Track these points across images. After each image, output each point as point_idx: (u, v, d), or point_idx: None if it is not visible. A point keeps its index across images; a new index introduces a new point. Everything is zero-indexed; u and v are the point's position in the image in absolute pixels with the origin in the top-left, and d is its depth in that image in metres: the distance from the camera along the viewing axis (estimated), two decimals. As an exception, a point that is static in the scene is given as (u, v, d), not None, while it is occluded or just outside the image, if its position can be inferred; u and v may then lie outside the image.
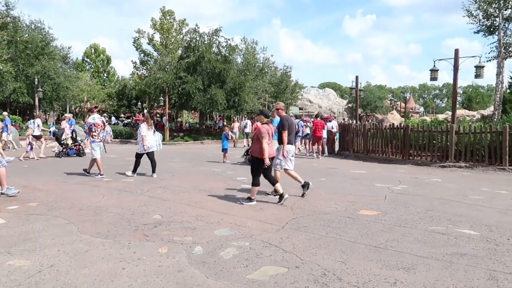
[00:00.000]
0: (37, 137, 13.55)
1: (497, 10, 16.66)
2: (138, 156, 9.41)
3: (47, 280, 3.17)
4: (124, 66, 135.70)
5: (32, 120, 14.17)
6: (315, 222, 5.02)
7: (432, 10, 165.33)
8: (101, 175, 9.02)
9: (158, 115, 42.33)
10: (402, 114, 44.51)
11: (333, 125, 16.78)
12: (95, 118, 9.39)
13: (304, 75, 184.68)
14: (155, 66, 28.20)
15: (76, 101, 37.25)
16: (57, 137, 14.28)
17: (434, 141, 11.81)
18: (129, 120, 36.56)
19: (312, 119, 16.26)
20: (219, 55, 25.53)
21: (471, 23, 17.56)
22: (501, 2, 16.39)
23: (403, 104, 54.92)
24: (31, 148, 13.17)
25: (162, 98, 26.67)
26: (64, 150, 14.07)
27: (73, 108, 43.38)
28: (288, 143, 6.78)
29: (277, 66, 40.01)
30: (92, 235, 4.41)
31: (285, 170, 6.93)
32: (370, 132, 14.05)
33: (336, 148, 16.81)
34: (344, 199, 6.54)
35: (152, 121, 10.01)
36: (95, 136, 9.20)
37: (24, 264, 3.52)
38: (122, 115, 43.47)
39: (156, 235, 4.42)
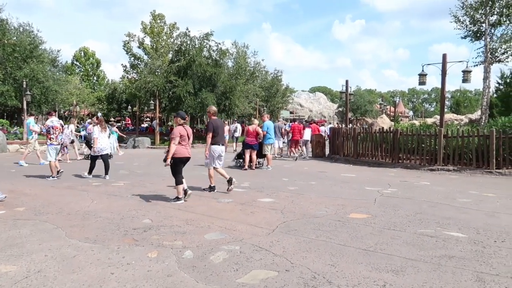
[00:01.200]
0: (70, 141, 14.57)
1: (483, 16, 16.96)
2: (93, 158, 9.71)
3: (34, 286, 3.13)
4: (114, 70, 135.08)
5: (65, 126, 14.33)
6: (305, 226, 5.03)
7: (419, 16, 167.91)
8: (52, 177, 9.17)
9: (148, 119, 42.06)
10: (391, 118, 44.96)
11: (325, 129, 17.26)
12: (53, 121, 9.59)
13: (294, 79, 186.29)
14: (146, 69, 28.06)
15: (65, 104, 36.82)
16: (87, 140, 14.96)
17: (423, 145, 11.94)
18: (119, 124, 36.32)
19: (290, 123, 16.81)
20: (210, 59, 25.54)
21: (458, 28, 17.86)
22: (487, 8, 16.70)
23: (392, 108, 55.51)
24: (67, 152, 13.69)
25: (153, 102, 26.54)
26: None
27: (62, 112, 42.91)
28: (215, 144, 7.50)
29: (268, 70, 40.12)
30: (81, 240, 4.36)
31: (214, 168, 7.66)
32: (360, 136, 14.15)
33: (327, 152, 16.89)
34: (334, 203, 6.57)
35: (106, 124, 10.34)
36: (52, 139, 9.40)
37: (10, 270, 3.46)
38: (112, 119, 43.12)
39: (145, 240, 4.39)
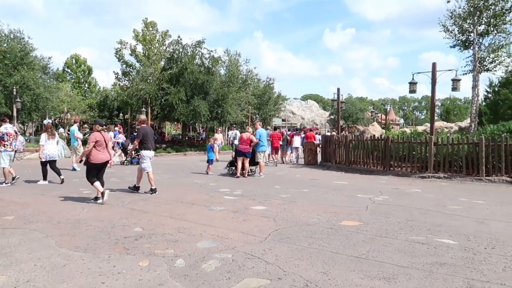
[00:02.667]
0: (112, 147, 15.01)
1: (471, 26, 17.24)
2: (43, 164, 9.90)
3: (23, 296, 3.08)
4: (105, 77, 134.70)
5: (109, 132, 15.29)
6: (297, 233, 5.03)
7: (409, 25, 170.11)
8: (6, 183, 9.26)
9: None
10: (382, 125, 45.31)
11: (318, 137, 17.75)
12: (7, 128, 9.64)
13: (286, 87, 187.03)
14: (138, 77, 27.98)
15: (56, 112, 36.51)
16: (124, 147, 16.36)
17: (414, 152, 12.05)
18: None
19: (270, 131, 17.54)
20: (202, 66, 25.55)
21: (447, 38, 18.12)
22: (475, 18, 16.99)
23: (383, 116, 55.96)
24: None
25: (144, 109, 26.43)
26: (127, 159, 16.02)
27: (52, 119, 42.52)
28: (146, 149, 8.26)
29: (260, 78, 40.21)
30: (71, 249, 4.31)
31: (143, 171, 8.33)
32: (352, 144, 14.24)
33: (319, 159, 16.97)
34: (327, 210, 6.59)
35: (55, 131, 10.53)
36: (6, 145, 9.45)
37: (-2, 280, 3.40)
38: (116, 127, 42.82)
39: (136, 248, 4.35)
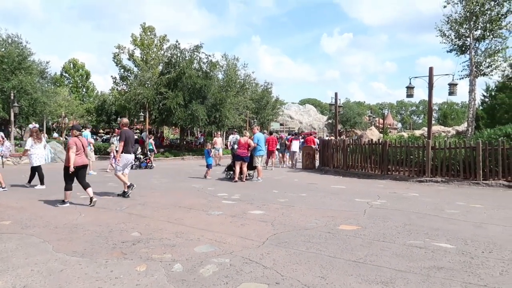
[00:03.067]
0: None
1: (468, 31, 17.36)
2: (38, 169, 9.99)
3: (20, 302, 3.06)
4: (102, 81, 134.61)
5: (116, 137, 15.60)
6: (295, 238, 5.03)
7: (406, 30, 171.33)
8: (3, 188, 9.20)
9: (138, 131, 41.74)
10: (380, 130, 45.38)
11: (317, 141, 18.05)
12: None
13: (284, 91, 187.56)
14: (136, 81, 28.03)
15: (54, 116, 36.47)
16: (154, 153, 17.36)
17: (412, 157, 12.07)
18: (108, 135, 36.05)
19: (267, 136, 17.89)
20: (200, 71, 25.59)
21: (444, 42, 18.22)
22: (472, 23, 17.10)
23: (381, 120, 56.06)
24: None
25: (142, 114, 26.43)
26: (136, 163, 16.08)
27: (50, 124, 42.46)
28: (126, 152, 8.37)
29: (258, 82, 40.34)
30: (68, 254, 4.29)
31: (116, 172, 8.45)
32: (350, 148, 14.26)
33: (317, 163, 16.99)
34: (324, 214, 6.59)
35: (41, 135, 10.57)
36: None
37: (-5, 285, 3.39)
38: (101, 131, 42.85)
39: (134, 253, 4.34)
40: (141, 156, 16.72)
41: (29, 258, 4.14)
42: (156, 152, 20.62)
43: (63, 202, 7.36)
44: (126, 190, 8.40)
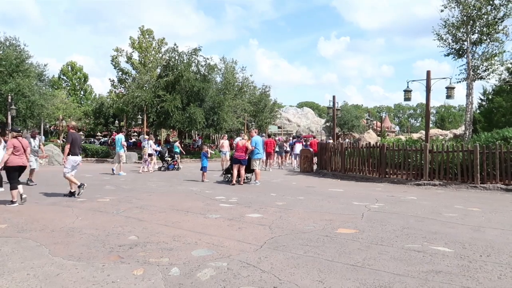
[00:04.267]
0: (149, 155, 16.51)
1: (465, 34, 17.44)
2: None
3: (15, 306, 3.03)
4: (100, 84, 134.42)
5: (146, 141, 17.12)
6: (293, 241, 5.01)
7: (403, 33, 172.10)
8: None
9: (135, 134, 41.74)
10: (378, 133, 45.47)
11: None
12: None
13: (282, 94, 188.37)
14: (134, 84, 28.01)
15: (51, 119, 36.38)
16: (161, 154, 17.40)
17: (409, 160, 12.09)
18: (106, 138, 35.96)
19: (265, 138, 18.26)
20: (198, 74, 25.62)
21: (441, 46, 18.30)
22: (469, 27, 17.19)
23: (379, 123, 56.18)
24: (148, 164, 16.31)
25: (140, 117, 26.39)
26: (164, 165, 17.03)
27: (47, 127, 42.35)
28: (73, 154, 8.73)
29: (256, 85, 40.38)
30: (64, 258, 4.26)
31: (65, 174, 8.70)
32: (348, 151, 14.27)
33: (315, 166, 17.00)
34: (322, 218, 6.58)
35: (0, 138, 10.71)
36: None
37: (-10, 290, 3.36)
38: (99, 134, 42.73)
39: (131, 257, 4.31)
40: (169, 159, 17.18)
41: (25, 262, 4.11)
42: (184, 153, 21.41)
43: (11, 202, 7.57)
44: (74, 190, 8.69)
